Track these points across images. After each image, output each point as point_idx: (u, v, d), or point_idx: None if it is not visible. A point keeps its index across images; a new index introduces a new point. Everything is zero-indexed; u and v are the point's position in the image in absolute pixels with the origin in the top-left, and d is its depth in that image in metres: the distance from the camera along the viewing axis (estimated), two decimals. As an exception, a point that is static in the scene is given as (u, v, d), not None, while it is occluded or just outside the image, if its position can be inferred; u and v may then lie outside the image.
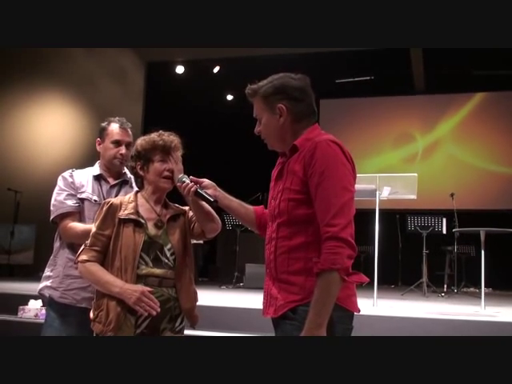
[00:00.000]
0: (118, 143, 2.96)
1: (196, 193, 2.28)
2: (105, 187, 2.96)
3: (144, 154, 2.48)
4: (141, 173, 2.50)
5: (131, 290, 2.29)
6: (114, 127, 2.98)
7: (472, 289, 9.50)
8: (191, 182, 2.32)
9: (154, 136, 2.50)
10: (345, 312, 1.92)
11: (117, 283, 2.31)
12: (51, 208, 2.90)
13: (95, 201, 2.89)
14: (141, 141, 2.51)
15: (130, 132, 3.02)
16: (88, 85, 10.98)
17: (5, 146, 10.06)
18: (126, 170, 3.06)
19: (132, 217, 2.40)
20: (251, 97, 2.13)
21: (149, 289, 2.31)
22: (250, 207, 2.35)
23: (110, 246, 2.38)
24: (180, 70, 12.45)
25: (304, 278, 1.92)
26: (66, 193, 2.88)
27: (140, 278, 2.34)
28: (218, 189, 2.33)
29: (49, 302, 2.90)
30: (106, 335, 2.29)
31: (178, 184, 2.35)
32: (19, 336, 2.46)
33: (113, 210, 2.43)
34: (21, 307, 4.89)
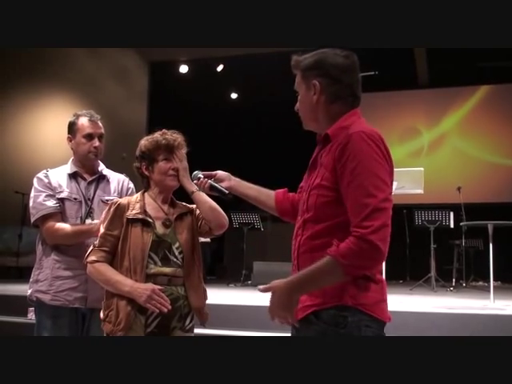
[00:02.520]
0: (90, 137, 2.88)
1: (211, 187, 2.26)
2: (82, 184, 2.91)
3: (148, 155, 2.48)
4: (146, 173, 2.51)
5: (141, 288, 2.30)
6: (84, 121, 2.89)
7: (481, 282, 9.46)
8: (204, 177, 2.29)
9: (156, 135, 2.50)
10: (372, 317, 1.78)
11: (127, 282, 2.32)
12: (31, 211, 2.84)
13: (75, 199, 2.85)
14: (144, 141, 2.52)
15: (100, 124, 2.94)
16: (92, 86, 10.99)
17: (12, 149, 10.08)
18: (101, 164, 3.01)
19: (140, 216, 2.41)
20: (294, 68, 1.98)
21: (159, 287, 2.32)
22: (271, 192, 2.20)
23: (119, 247, 2.39)
24: (183, 69, 12.43)
25: None
26: (45, 194, 2.83)
27: (149, 278, 2.36)
28: (233, 178, 2.25)
29: (39, 306, 2.84)
30: (116, 335, 2.30)
31: (195, 181, 2.36)
32: (27, 336, 2.47)
33: (120, 210, 2.43)
34: (30, 309, 4.89)
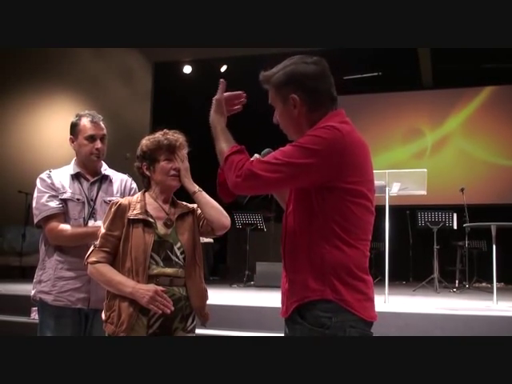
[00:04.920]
0: (92, 138, 2.87)
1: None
2: (85, 184, 2.91)
3: (149, 154, 2.47)
4: (147, 173, 2.50)
5: (144, 289, 2.29)
6: (86, 122, 2.88)
7: (484, 284, 9.45)
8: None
9: (158, 135, 2.49)
10: (354, 316, 1.79)
11: (129, 283, 2.31)
12: (34, 211, 2.83)
13: (78, 199, 2.85)
14: (145, 141, 2.51)
15: (102, 125, 2.92)
16: (96, 86, 11.01)
17: (15, 149, 10.10)
18: (104, 164, 3.00)
19: (141, 217, 2.40)
20: (264, 84, 2.01)
21: (161, 288, 2.31)
22: None
23: (120, 247, 2.38)
24: (187, 69, 12.45)
25: (307, 275, 1.83)
26: (48, 194, 2.82)
27: (151, 278, 2.35)
28: None
29: (42, 307, 2.83)
30: (118, 334, 2.30)
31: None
32: (29, 336, 2.47)
33: (121, 210, 2.42)
34: (33, 308, 4.89)
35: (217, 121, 2.02)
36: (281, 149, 1.85)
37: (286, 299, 1.93)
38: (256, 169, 1.81)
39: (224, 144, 1.95)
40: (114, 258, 2.40)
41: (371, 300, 1.88)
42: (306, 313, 1.82)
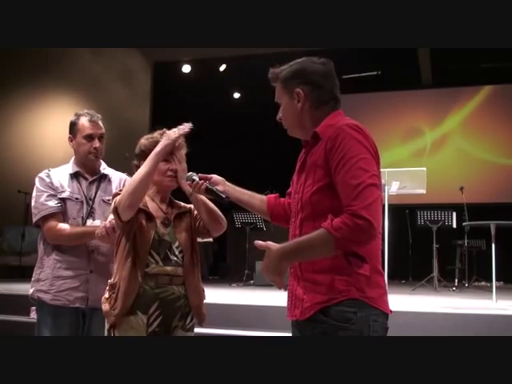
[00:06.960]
0: (90, 137, 2.88)
1: (206, 190, 2.23)
2: (84, 184, 2.92)
3: (147, 154, 2.45)
4: None
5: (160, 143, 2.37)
6: (84, 121, 2.89)
7: (483, 283, 9.43)
8: (200, 179, 2.28)
9: (157, 135, 2.49)
10: (378, 311, 1.83)
11: (150, 156, 2.37)
12: (33, 211, 2.84)
13: (76, 199, 2.86)
14: (144, 140, 2.51)
15: (101, 124, 2.94)
16: (95, 86, 11.00)
17: (14, 149, 10.09)
18: (103, 163, 3.01)
19: (142, 207, 2.39)
20: (273, 81, 2.05)
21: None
22: (263, 198, 2.27)
23: (122, 242, 2.38)
24: (186, 69, 12.45)
25: (331, 276, 1.81)
26: (46, 194, 2.83)
27: (151, 277, 2.35)
28: (227, 183, 2.27)
29: (40, 305, 2.84)
30: (109, 317, 2.31)
31: (188, 182, 2.32)
32: (28, 336, 2.47)
33: None
34: (32, 308, 4.88)
35: None
36: (346, 177, 1.78)
37: (300, 302, 1.88)
38: (361, 207, 1.72)
39: (312, 236, 1.80)
40: (117, 253, 2.40)
41: (386, 293, 1.91)
42: (330, 311, 1.81)
